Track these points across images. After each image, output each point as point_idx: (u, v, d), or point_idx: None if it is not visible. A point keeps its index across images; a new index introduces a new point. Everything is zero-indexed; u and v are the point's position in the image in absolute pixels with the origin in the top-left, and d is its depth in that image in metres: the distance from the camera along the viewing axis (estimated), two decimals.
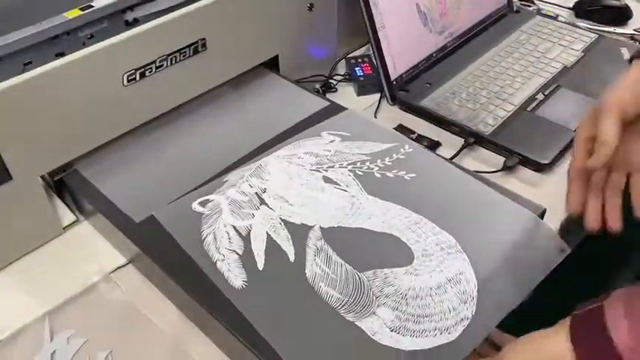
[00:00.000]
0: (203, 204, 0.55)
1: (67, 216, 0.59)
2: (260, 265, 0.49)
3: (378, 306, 0.46)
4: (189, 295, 0.48)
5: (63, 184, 0.59)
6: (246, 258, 0.50)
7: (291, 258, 0.50)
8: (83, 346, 0.50)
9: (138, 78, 0.58)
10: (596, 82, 0.76)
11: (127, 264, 0.56)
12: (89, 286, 0.54)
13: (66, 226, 0.59)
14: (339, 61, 0.82)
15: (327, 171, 0.57)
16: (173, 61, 0.60)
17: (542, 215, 0.54)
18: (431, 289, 0.47)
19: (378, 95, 0.77)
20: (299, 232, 0.52)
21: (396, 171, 0.58)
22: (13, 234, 0.55)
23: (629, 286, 0.45)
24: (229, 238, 0.51)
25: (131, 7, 0.65)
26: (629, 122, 0.49)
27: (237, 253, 0.50)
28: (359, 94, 0.78)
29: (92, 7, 0.62)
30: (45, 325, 0.51)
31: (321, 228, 0.52)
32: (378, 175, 0.57)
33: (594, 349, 0.42)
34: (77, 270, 0.55)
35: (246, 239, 0.51)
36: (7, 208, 0.53)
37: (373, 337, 0.44)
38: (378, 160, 0.59)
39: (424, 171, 0.58)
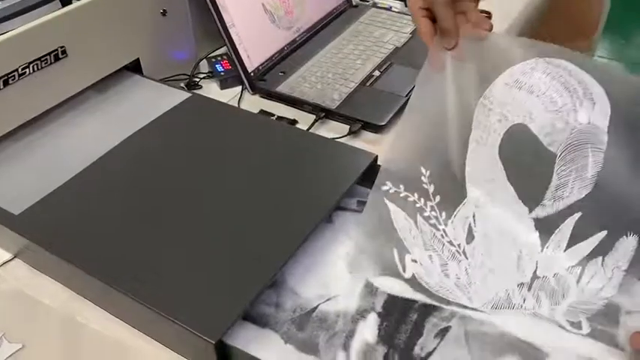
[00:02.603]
0: None
1: None
2: None
3: None
4: (81, 270, 0.53)
5: None
6: None
7: None
8: None
9: (2, 86, 0.62)
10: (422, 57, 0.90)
11: (12, 259, 0.60)
12: None
13: None
14: (201, 60, 0.90)
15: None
16: (35, 69, 0.65)
17: (375, 160, 0.65)
18: None
19: (239, 87, 0.86)
20: None
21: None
22: None
23: None
24: None
25: None
26: None
27: None
28: (222, 87, 0.87)
29: None
30: None
31: None
32: None
33: None
34: None
35: None
36: None
37: None
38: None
39: None
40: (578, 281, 0.50)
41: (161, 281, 0.52)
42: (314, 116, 0.80)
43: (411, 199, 0.54)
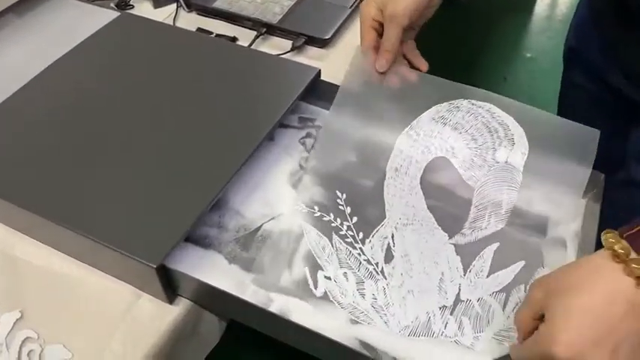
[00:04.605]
0: None
1: None
2: None
3: None
4: (16, 205, 0.50)
5: None
6: None
7: None
8: None
9: None
10: None
11: None
12: None
13: None
14: None
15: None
16: None
17: (318, 74, 0.63)
18: None
19: (174, 5, 0.81)
20: None
21: None
22: None
23: None
24: None
25: None
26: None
27: None
28: (155, 6, 0.81)
29: None
30: None
31: None
32: None
33: None
34: None
35: None
36: None
37: None
38: None
39: None
40: (503, 308, 0.47)
41: (99, 209, 0.50)
42: (255, 32, 0.76)
43: (326, 218, 0.53)
